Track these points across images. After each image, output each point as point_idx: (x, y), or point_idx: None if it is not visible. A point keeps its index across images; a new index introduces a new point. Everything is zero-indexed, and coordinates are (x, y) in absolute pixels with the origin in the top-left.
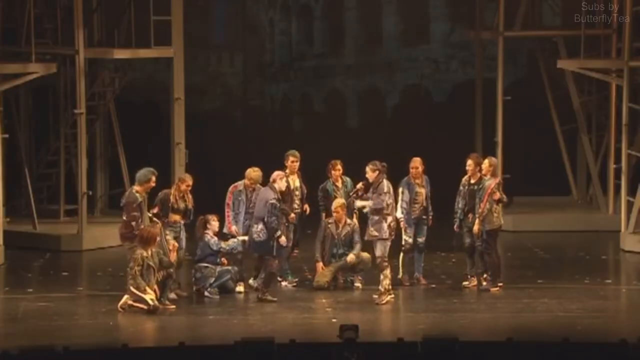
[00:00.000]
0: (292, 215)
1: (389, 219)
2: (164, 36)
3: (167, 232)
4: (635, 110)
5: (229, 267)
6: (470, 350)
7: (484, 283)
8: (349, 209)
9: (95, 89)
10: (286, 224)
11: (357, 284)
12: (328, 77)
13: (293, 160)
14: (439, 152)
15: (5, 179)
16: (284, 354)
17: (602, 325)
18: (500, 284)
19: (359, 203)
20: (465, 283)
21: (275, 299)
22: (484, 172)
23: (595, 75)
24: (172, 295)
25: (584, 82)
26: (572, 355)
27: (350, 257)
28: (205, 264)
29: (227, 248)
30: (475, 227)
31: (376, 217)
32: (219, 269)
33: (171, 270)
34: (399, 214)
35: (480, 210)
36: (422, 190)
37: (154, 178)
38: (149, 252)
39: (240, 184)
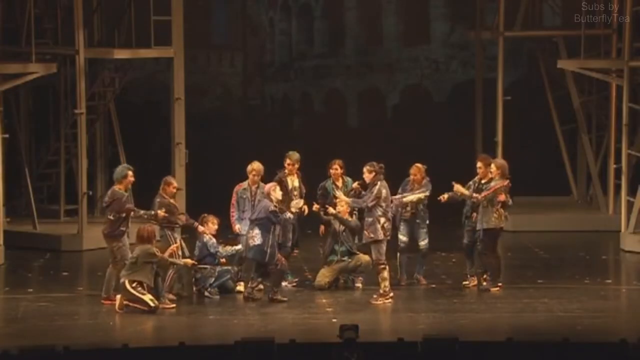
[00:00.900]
0: (300, 202)
1: (382, 220)
2: (164, 36)
3: (176, 236)
4: (635, 110)
5: (229, 267)
6: (471, 350)
7: (484, 283)
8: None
9: (96, 89)
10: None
11: (358, 284)
12: (328, 77)
13: (289, 162)
14: (439, 152)
15: (6, 178)
16: (284, 354)
17: (602, 325)
18: (500, 284)
19: (341, 197)
20: (465, 282)
21: (285, 298)
22: (493, 175)
23: (595, 75)
24: (171, 296)
25: (584, 82)
26: (572, 355)
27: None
28: (204, 265)
29: (224, 254)
30: (460, 192)
31: (370, 219)
32: (218, 269)
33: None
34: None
35: (478, 195)
36: (413, 197)
37: (130, 172)
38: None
39: (244, 184)
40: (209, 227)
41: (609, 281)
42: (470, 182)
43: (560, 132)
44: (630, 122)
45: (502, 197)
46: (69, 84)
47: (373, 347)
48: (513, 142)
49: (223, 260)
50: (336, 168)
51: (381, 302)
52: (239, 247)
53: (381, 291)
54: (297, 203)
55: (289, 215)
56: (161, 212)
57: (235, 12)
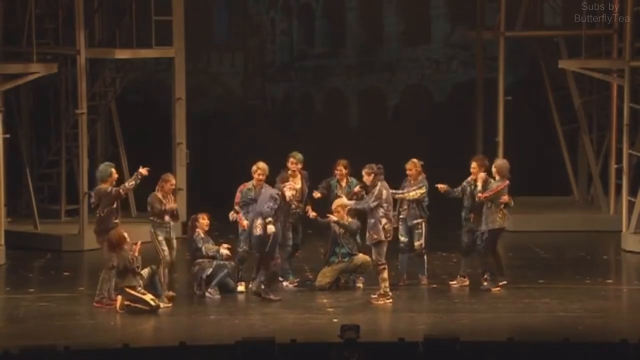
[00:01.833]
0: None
1: (383, 221)
2: (165, 36)
3: (159, 233)
4: (636, 110)
5: (225, 262)
6: (471, 350)
7: (485, 283)
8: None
9: (97, 89)
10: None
11: (359, 284)
12: (329, 77)
13: (292, 162)
14: (440, 152)
15: (7, 178)
16: (285, 354)
17: (603, 325)
18: (504, 282)
19: (343, 201)
20: (452, 282)
21: (278, 297)
22: (494, 175)
23: (596, 75)
24: (171, 293)
25: (585, 82)
26: (573, 355)
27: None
28: (199, 260)
29: (209, 253)
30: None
31: (372, 221)
32: (215, 263)
33: (154, 267)
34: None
35: (482, 195)
36: (409, 194)
37: (113, 170)
38: (129, 255)
39: (249, 184)
40: (200, 224)
41: (610, 281)
42: (465, 183)
43: (561, 132)
44: (631, 122)
45: (505, 199)
46: (70, 84)
47: (374, 347)
48: (513, 142)
49: (227, 253)
50: (340, 169)
51: (382, 301)
52: (224, 250)
53: (381, 291)
54: (292, 187)
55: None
56: (144, 170)
57: (236, 12)
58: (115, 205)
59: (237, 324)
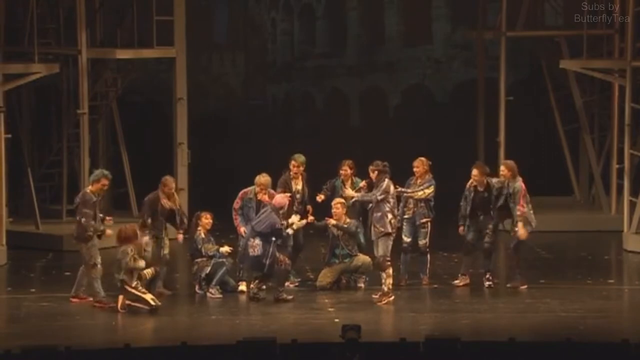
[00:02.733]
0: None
1: (390, 215)
2: (166, 36)
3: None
4: (637, 110)
5: (224, 260)
6: (473, 350)
7: (487, 283)
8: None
9: (98, 89)
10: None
11: (360, 284)
12: (330, 77)
13: (294, 165)
14: (441, 152)
15: (8, 178)
16: (286, 353)
17: (605, 325)
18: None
19: (348, 192)
20: (456, 282)
21: (291, 297)
22: (506, 176)
23: (597, 75)
24: (166, 292)
25: (586, 82)
26: (575, 355)
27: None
28: (197, 260)
29: (209, 254)
30: (522, 232)
31: (378, 214)
32: (213, 261)
33: (158, 268)
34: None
35: (519, 214)
36: (417, 192)
37: (104, 181)
38: (132, 252)
39: (250, 191)
40: (203, 223)
41: (611, 281)
42: (467, 192)
43: (563, 132)
44: (633, 122)
45: (522, 209)
46: (71, 84)
47: (375, 347)
48: (514, 142)
49: (227, 250)
50: (345, 169)
51: (384, 300)
52: (226, 248)
53: (385, 289)
54: (298, 222)
55: (289, 231)
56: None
57: (237, 12)
58: (90, 211)
59: (238, 324)
